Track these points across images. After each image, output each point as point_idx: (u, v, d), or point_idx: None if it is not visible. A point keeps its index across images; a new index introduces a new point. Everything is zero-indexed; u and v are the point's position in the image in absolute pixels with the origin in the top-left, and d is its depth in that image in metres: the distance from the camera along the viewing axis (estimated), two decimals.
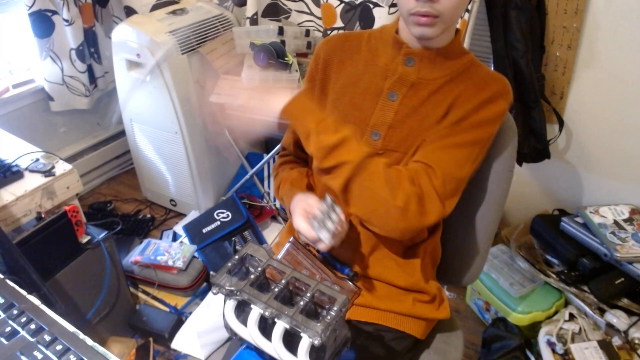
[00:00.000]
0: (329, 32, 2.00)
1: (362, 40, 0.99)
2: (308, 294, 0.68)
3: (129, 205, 2.44)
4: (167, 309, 1.79)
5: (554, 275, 1.66)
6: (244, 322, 0.69)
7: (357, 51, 0.98)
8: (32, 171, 1.41)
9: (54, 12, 1.99)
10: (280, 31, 1.90)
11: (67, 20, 2.00)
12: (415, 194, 0.83)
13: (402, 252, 1.00)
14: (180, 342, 1.57)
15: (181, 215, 2.35)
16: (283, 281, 0.70)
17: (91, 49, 2.18)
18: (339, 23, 1.95)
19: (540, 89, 1.71)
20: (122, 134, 2.38)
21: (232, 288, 0.69)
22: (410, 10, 0.83)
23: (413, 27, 0.85)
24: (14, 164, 1.41)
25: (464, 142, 0.87)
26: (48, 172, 1.41)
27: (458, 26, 0.95)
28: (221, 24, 2.03)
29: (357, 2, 1.86)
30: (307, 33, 2.02)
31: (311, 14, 2.03)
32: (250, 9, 2.03)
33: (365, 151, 0.84)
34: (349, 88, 0.97)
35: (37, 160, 1.46)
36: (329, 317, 0.64)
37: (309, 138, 0.85)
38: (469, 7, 1.61)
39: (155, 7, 2.10)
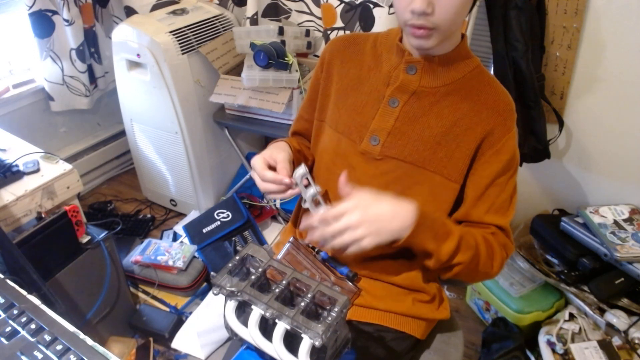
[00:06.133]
0: (329, 32, 2.00)
1: (368, 43, 0.98)
2: (309, 295, 0.68)
3: (129, 205, 2.44)
4: (167, 309, 1.79)
5: (554, 275, 1.66)
6: (245, 323, 0.69)
7: (362, 54, 0.98)
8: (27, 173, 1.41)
9: (54, 12, 1.99)
10: (280, 31, 1.90)
11: (67, 20, 2.00)
12: (505, 257, 0.92)
13: (402, 252, 1.00)
14: (180, 342, 1.57)
15: (181, 215, 2.35)
16: (284, 282, 0.70)
17: (91, 49, 2.18)
18: (339, 23, 1.95)
19: (540, 89, 1.70)
20: (122, 134, 2.38)
21: (233, 289, 0.69)
22: (407, 22, 0.81)
23: (410, 37, 0.84)
24: (14, 164, 1.41)
25: (511, 184, 0.92)
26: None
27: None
28: (221, 24, 2.03)
29: (357, 2, 1.86)
30: (307, 33, 2.02)
31: (311, 14, 2.03)
32: (250, 9, 2.03)
33: (459, 234, 0.86)
34: (352, 91, 0.97)
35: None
36: (329, 318, 0.64)
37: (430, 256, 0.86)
38: None
39: (155, 7, 2.10)
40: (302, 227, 0.78)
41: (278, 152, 0.93)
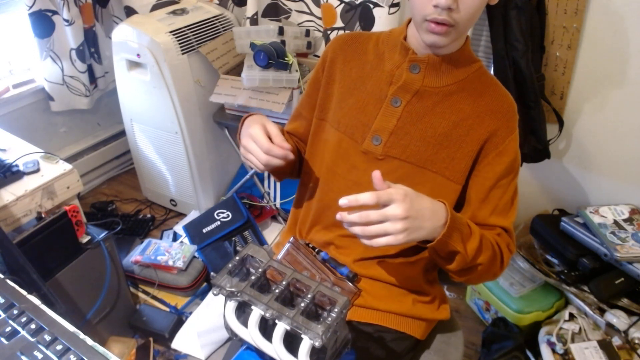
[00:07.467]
0: (329, 32, 2.00)
1: (371, 42, 0.98)
2: (309, 296, 0.68)
3: (129, 205, 2.44)
4: (167, 309, 1.79)
5: (554, 275, 1.66)
6: (245, 323, 0.69)
7: (364, 53, 0.98)
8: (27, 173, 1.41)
9: (54, 12, 1.99)
10: (280, 31, 1.90)
11: (67, 20, 2.00)
12: (509, 258, 0.92)
13: (402, 252, 1.00)
14: (180, 342, 1.57)
15: (181, 215, 2.35)
16: (284, 282, 0.70)
17: (91, 49, 2.18)
18: (339, 23, 1.95)
19: (540, 89, 1.70)
20: (122, 134, 2.38)
21: (233, 289, 0.69)
22: (426, 17, 0.80)
23: (425, 33, 0.83)
24: (14, 164, 1.41)
25: (513, 185, 0.93)
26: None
27: None
28: (221, 24, 2.03)
29: (357, 2, 1.86)
30: (307, 33, 2.02)
31: (311, 14, 2.03)
32: (250, 9, 2.03)
33: (480, 233, 0.86)
34: (354, 91, 0.97)
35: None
36: (329, 319, 0.64)
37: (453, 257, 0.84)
38: None
39: (155, 7, 2.10)
40: (343, 203, 0.74)
41: (269, 124, 0.89)
